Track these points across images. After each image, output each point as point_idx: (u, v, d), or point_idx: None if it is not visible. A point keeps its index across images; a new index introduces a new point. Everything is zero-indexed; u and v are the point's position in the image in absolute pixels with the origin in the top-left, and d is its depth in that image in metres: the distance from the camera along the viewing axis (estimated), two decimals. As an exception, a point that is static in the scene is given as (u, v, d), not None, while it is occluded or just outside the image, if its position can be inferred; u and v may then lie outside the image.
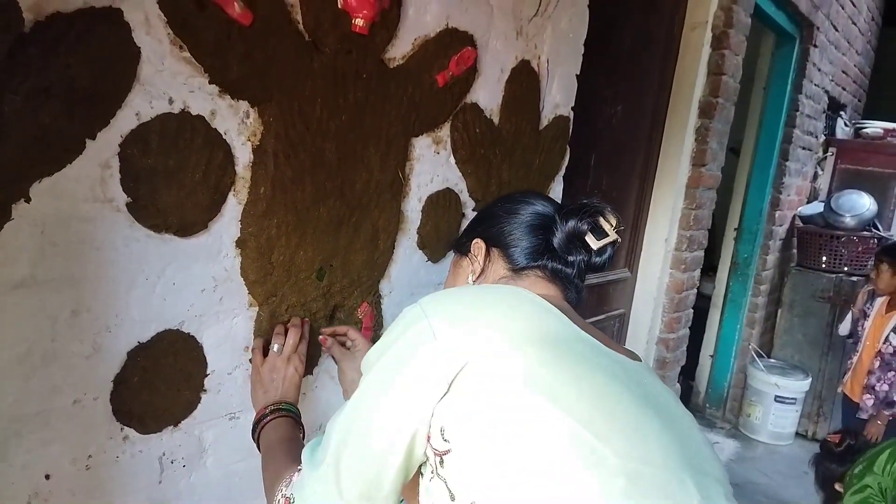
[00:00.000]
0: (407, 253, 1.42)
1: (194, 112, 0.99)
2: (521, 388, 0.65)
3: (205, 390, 1.11)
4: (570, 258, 0.93)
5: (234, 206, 1.08)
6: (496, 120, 1.56)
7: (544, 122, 1.73)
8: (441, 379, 0.68)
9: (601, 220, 0.93)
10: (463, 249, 1.02)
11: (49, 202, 0.84)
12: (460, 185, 1.52)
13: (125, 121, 0.90)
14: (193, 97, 0.98)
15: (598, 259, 0.94)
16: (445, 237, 1.51)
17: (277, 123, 1.10)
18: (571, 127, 1.85)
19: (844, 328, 3.37)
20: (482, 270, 0.97)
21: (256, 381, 1.13)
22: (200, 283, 1.06)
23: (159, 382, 1.03)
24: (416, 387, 0.69)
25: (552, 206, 0.99)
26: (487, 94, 1.52)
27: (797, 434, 4.09)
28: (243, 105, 1.05)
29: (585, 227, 0.92)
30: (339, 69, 1.16)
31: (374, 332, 1.38)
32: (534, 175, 1.73)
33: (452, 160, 1.47)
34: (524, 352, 0.68)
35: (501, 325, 0.71)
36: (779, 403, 3.95)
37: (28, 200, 0.82)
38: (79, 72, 0.84)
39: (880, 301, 3.08)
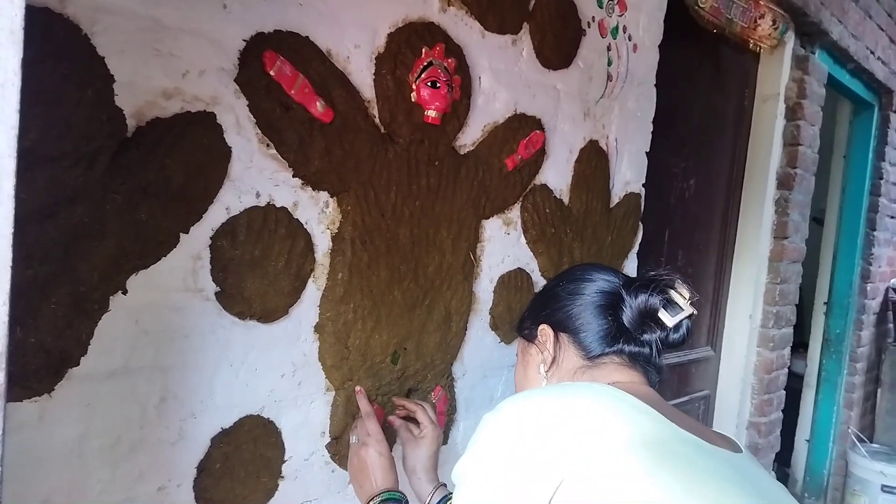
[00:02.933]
0: (479, 334, 1.42)
1: (278, 204, 1.04)
2: None
3: (282, 477, 1.11)
4: (645, 337, 0.88)
5: (313, 292, 1.11)
6: (566, 199, 1.57)
7: (615, 199, 1.72)
8: (537, 500, 0.64)
9: (673, 292, 0.88)
10: (529, 336, 0.99)
11: (143, 293, 0.89)
12: (532, 265, 1.51)
13: (216, 215, 0.96)
14: (278, 190, 1.04)
15: (675, 336, 0.88)
16: (518, 317, 1.49)
17: (354, 211, 1.14)
18: (643, 203, 1.83)
19: None
20: (553, 359, 0.93)
21: (352, 479, 1.09)
22: (280, 368, 1.08)
23: (240, 469, 1.04)
24: None
25: (617, 279, 0.94)
26: (556, 175, 1.53)
27: (912, 529, 3.69)
28: (323, 195, 1.10)
29: (657, 302, 0.87)
30: (413, 158, 1.21)
31: (448, 416, 1.37)
32: (606, 252, 1.71)
33: (523, 240, 1.48)
34: (625, 463, 0.63)
35: (596, 433, 0.66)
36: (886, 493, 3.59)
37: (125, 292, 0.88)
38: (175, 172, 0.90)
39: None
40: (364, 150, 1.13)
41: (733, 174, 2.64)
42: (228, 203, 0.97)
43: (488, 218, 1.39)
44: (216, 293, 0.97)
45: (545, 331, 0.95)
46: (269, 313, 1.05)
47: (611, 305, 0.91)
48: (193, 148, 0.93)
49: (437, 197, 1.26)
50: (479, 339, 1.41)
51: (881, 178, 3.71)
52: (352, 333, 1.16)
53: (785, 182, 2.72)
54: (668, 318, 0.87)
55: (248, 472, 1.06)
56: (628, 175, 1.76)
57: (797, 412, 3.86)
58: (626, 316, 0.89)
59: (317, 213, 1.10)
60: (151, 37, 0.87)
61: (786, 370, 2.94)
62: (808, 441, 3.90)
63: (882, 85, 3.50)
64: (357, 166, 1.13)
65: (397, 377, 1.25)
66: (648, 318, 0.88)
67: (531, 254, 1.50)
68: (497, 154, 1.37)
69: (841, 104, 3.67)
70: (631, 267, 1.83)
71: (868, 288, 3.79)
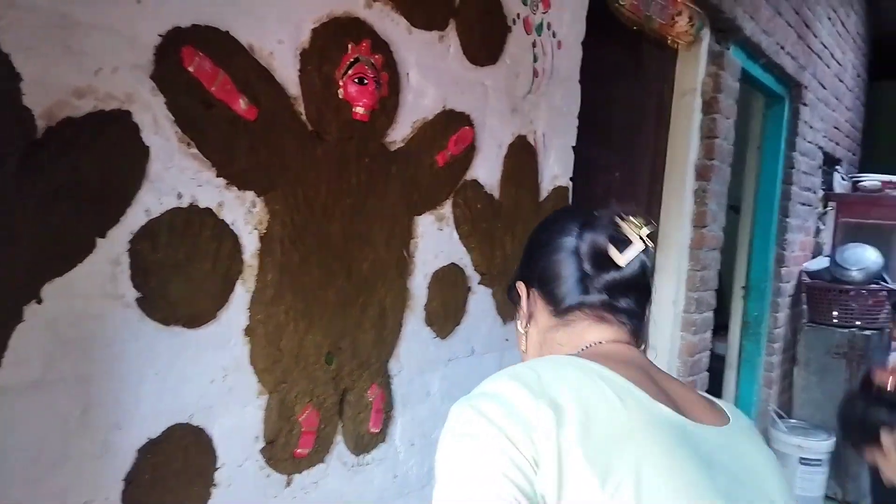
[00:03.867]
0: (415, 330, 1.42)
1: (202, 205, 1.01)
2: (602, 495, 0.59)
3: (215, 484, 1.08)
4: (605, 282, 0.78)
5: (242, 295, 1.08)
6: (496, 194, 1.59)
7: (544, 193, 1.76)
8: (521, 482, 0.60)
9: (622, 225, 0.78)
10: (512, 297, 0.90)
11: (60, 302, 0.85)
12: (465, 260, 1.53)
13: (135, 217, 0.92)
14: (201, 191, 1.01)
15: (626, 274, 0.78)
16: (453, 312, 1.51)
17: (283, 211, 1.12)
18: (571, 196, 1.87)
19: None
20: (530, 315, 0.85)
21: None
22: (210, 374, 1.05)
23: (170, 478, 1.01)
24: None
25: (577, 221, 0.82)
26: (487, 170, 1.55)
27: (826, 497, 3.93)
28: (250, 195, 1.08)
29: (604, 239, 0.78)
30: (342, 155, 1.20)
31: (385, 413, 1.36)
32: (537, 246, 1.74)
33: (456, 236, 1.49)
34: (578, 473, 0.60)
35: (546, 438, 0.61)
36: (804, 466, 3.81)
37: (39, 301, 0.83)
38: (89, 173, 0.86)
39: None
40: (291, 147, 1.11)
41: (655, 167, 2.73)
42: (148, 205, 0.94)
43: (420, 214, 1.39)
44: (137, 299, 0.94)
45: (520, 287, 0.87)
46: (196, 318, 1.02)
47: (571, 251, 0.81)
48: (108, 148, 0.89)
49: (368, 194, 1.26)
50: (415, 336, 1.42)
51: (792, 168, 3.93)
52: (284, 335, 1.14)
53: (703, 173, 2.83)
54: (617, 257, 0.78)
55: (179, 481, 1.02)
56: (556, 169, 1.80)
57: (721, 392, 4.05)
58: (584, 262, 0.79)
59: (243, 214, 1.07)
60: (60, 33, 0.83)
61: (708, 352, 3.07)
62: (731, 419, 4.10)
63: (791, 78, 3.69)
64: (284, 165, 1.11)
65: (332, 378, 1.23)
66: (601, 259, 0.78)
67: (464, 249, 1.52)
68: (427, 150, 1.37)
69: (755, 97, 3.85)
70: (561, 259, 1.87)
71: (783, 272, 4.00)
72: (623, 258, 0.77)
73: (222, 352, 1.07)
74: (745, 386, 4.05)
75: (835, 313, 4.04)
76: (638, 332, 0.81)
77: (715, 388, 3.75)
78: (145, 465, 0.97)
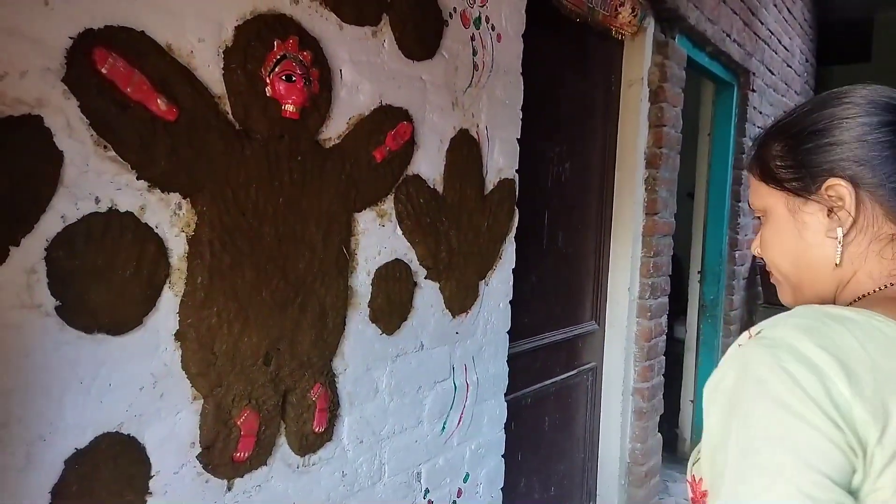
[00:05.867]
0: (359, 328, 1.41)
1: (122, 209, 0.99)
2: None
3: (150, 493, 1.06)
4: None
5: (170, 299, 1.06)
6: (440, 188, 1.58)
7: (489, 186, 1.76)
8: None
9: None
10: (801, 189, 0.73)
11: (-30, 313, 0.83)
12: (409, 255, 1.52)
13: (50, 224, 0.90)
14: (121, 194, 0.98)
15: None
16: (398, 308, 1.50)
17: (211, 212, 1.10)
18: (518, 189, 1.88)
19: None
20: (854, 222, 0.69)
21: None
22: (138, 381, 1.03)
23: (100, 489, 0.99)
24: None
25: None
26: (429, 165, 1.55)
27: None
28: (174, 197, 1.06)
29: None
30: (272, 154, 1.18)
31: (331, 412, 1.36)
32: (483, 238, 1.75)
33: (399, 231, 1.49)
34: None
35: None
36: (764, 443, 3.91)
37: (-54, 314, 0.81)
38: (-3, 180, 0.84)
39: None
40: (217, 147, 1.09)
41: (606, 156, 2.76)
42: (63, 211, 0.92)
43: (360, 211, 1.38)
44: (57, 307, 0.92)
45: (840, 187, 0.69)
46: (120, 324, 0.99)
47: None
48: (18, 154, 0.86)
49: (302, 193, 1.24)
50: (360, 333, 1.41)
51: (743, 153, 4.00)
52: (217, 338, 1.12)
53: (652, 161, 2.87)
54: None
55: (111, 491, 1.00)
56: (501, 162, 1.80)
57: (681, 374, 4.12)
58: None
59: (168, 216, 1.05)
60: (-43, 35, 0.80)
61: (664, 337, 3.12)
62: (692, 401, 4.18)
63: (739, 65, 3.76)
64: (210, 165, 1.09)
65: (271, 379, 1.22)
66: None
67: (408, 244, 1.51)
68: (364, 146, 1.36)
69: (704, 85, 3.92)
70: (510, 251, 1.88)
71: (736, 255, 4.09)
72: None
73: (151, 358, 1.05)
74: (704, 368, 4.13)
75: (788, 294, 4.13)
76: None
77: (675, 370, 3.82)
78: (73, 477, 0.95)
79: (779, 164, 0.75)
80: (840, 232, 0.70)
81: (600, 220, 2.77)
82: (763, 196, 0.78)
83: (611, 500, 2.90)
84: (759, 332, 0.66)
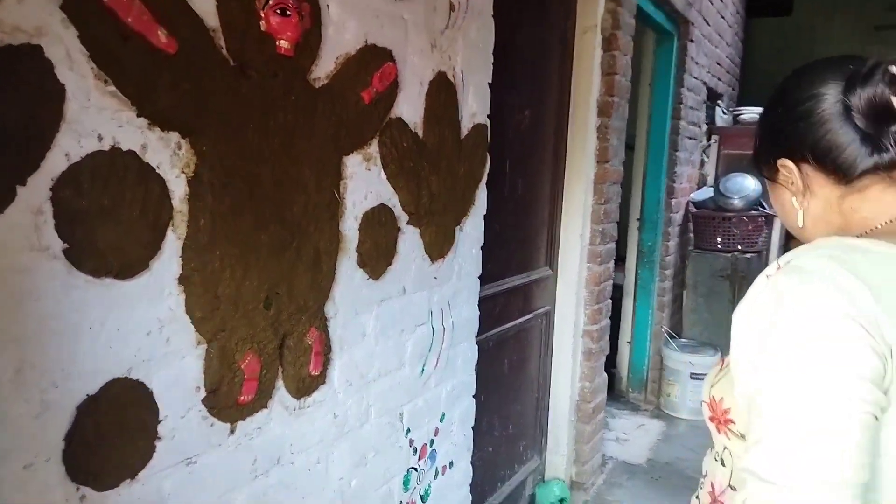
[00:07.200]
0: (348, 273, 1.41)
1: (125, 147, 0.94)
2: None
3: (159, 438, 1.05)
4: (890, 139, 0.75)
5: (173, 242, 1.03)
6: (420, 133, 1.58)
7: (464, 131, 1.77)
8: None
9: None
10: (770, 176, 0.88)
11: (-20, 256, 0.78)
12: (393, 200, 1.52)
13: (55, 163, 0.85)
14: (122, 132, 0.94)
15: None
16: (384, 253, 1.51)
17: (211, 152, 1.06)
18: (489, 134, 1.90)
19: None
20: (804, 188, 0.82)
21: None
22: (146, 326, 1.01)
23: (112, 435, 0.97)
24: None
25: (836, 79, 0.78)
26: (410, 108, 1.53)
27: (713, 406, 4.34)
28: (174, 136, 1.01)
29: (883, 91, 0.74)
30: (268, 93, 1.15)
31: (325, 356, 1.36)
32: (460, 183, 1.76)
33: (383, 175, 1.48)
34: None
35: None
36: (694, 380, 4.18)
37: (-43, 256, 0.76)
38: (3, 115, 0.78)
39: None
40: (215, 84, 1.05)
41: (561, 104, 2.80)
42: (68, 149, 0.87)
43: (348, 154, 1.36)
44: (65, 250, 0.88)
45: (786, 166, 0.83)
46: (128, 268, 0.96)
47: (841, 117, 0.77)
48: (20, 87, 0.81)
49: (295, 134, 1.22)
50: (349, 278, 1.41)
51: (681, 103, 4.14)
52: (220, 282, 1.10)
53: (604, 109, 2.93)
54: None
55: (122, 437, 0.99)
56: (474, 106, 1.81)
57: (619, 318, 4.32)
58: (863, 122, 0.76)
59: (169, 156, 1.01)
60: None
61: (611, 281, 3.25)
62: (629, 343, 4.40)
63: (680, 15, 3.85)
64: (209, 103, 1.05)
65: (271, 323, 1.21)
66: (884, 114, 0.75)
67: (392, 189, 1.51)
68: (352, 87, 1.34)
69: (647, 35, 3.99)
70: (482, 197, 1.90)
71: (673, 203, 4.27)
72: None
73: (157, 303, 1.02)
74: (641, 311, 4.34)
75: (718, 239, 4.37)
76: None
77: (615, 314, 4.00)
78: (86, 423, 0.93)
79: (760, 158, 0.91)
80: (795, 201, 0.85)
81: (555, 168, 2.83)
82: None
83: (561, 435, 3.05)
84: (788, 262, 0.72)
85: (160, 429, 1.05)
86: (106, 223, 0.92)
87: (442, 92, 1.64)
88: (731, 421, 0.78)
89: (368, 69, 1.38)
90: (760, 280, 0.73)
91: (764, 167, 0.89)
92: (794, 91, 0.83)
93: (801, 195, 0.83)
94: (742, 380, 0.72)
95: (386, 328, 1.56)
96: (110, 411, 0.97)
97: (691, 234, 4.69)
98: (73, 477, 0.92)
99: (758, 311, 0.71)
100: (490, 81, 1.87)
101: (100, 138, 0.91)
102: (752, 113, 4.88)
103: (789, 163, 0.83)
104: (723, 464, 0.82)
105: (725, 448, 0.82)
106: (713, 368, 0.87)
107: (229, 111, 1.08)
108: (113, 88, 0.92)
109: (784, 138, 0.84)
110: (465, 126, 1.77)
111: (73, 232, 0.88)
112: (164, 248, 1.02)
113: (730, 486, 0.81)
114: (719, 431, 0.81)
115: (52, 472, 0.89)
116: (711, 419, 0.82)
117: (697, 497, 0.89)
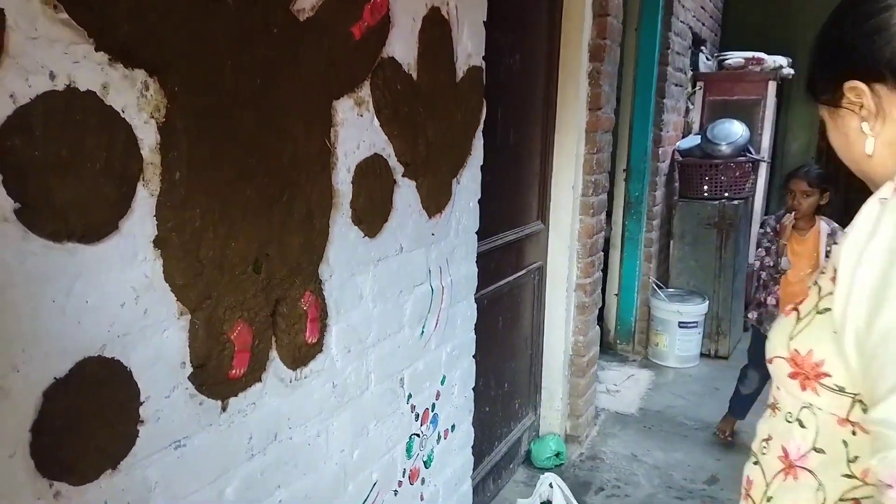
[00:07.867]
0: (343, 231, 1.28)
1: (82, 87, 0.79)
2: None
3: (142, 421, 0.93)
4: None
5: (145, 199, 0.89)
6: (414, 74, 1.44)
7: (460, 73, 1.62)
8: None
9: None
10: (832, 101, 0.79)
11: None
12: (388, 150, 1.39)
13: (-2, 105, 0.70)
14: (79, 68, 0.79)
15: None
16: (380, 209, 1.38)
17: (183, 94, 0.92)
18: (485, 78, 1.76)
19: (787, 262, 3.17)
20: (877, 111, 0.74)
21: None
22: (119, 297, 0.87)
23: (86, 421, 0.85)
24: None
25: None
26: (403, 47, 1.39)
27: (701, 355, 4.33)
28: (140, 74, 0.87)
29: None
30: (245, 23, 1.00)
31: (321, 322, 1.24)
32: (457, 131, 1.63)
33: (377, 122, 1.34)
34: None
35: None
36: (682, 329, 4.16)
37: None
38: (-77, 42, 0.63)
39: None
40: (184, 12, 0.90)
41: (552, 48, 2.65)
42: (13, 88, 0.72)
43: (339, 98, 1.22)
44: (16, 210, 0.74)
45: (855, 87, 0.75)
46: (93, 231, 0.82)
47: None
48: (-56, 8, 0.65)
49: (279, 73, 1.07)
50: (343, 237, 1.28)
51: (668, 49, 4.00)
52: (203, 244, 0.97)
53: (596, 54, 2.79)
54: None
55: (99, 423, 0.87)
56: (469, 47, 1.66)
57: (607, 270, 4.26)
58: None
59: (135, 98, 0.86)
60: None
61: (603, 234, 3.16)
62: (616, 295, 4.35)
63: (668, -44, 3.69)
64: (178, 34, 0.90)
65: (262, 287, 1.09)
66: None
67: (386, 138, 1.37)
68: (342, 21, 1.19)
69: (633, -23, 3.83)
70: (479, 146, 1.77)
71: (660, 152, 4.17)
72: None
73: (130, 269, 0.89)
74: (628, 263, 4.28)
75: (705, 187, 4.30)
76: None
77: (602, 268, 3.93)
78: (55, 410, 0.80)
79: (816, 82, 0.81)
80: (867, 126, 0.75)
81: (546, 116, 2.70)
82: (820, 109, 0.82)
83: (556, 390, 2.99)
84: None
85: (142, 411, 0.93)
86: (64, 178, 0.78)
87: (436, 30, 1.49)
88: (826, 374, 0.69)
89: (358, 0, 1.23)
90: (873, 206, 0.65)
91: (823, 93, 0.79)
92: (864, 2, 0.74)
93: (875, 119, 0.75)
94: (859, 320, 0.63)
95: (384, 289, 1.44)
96: (83, 395, 0.84)
97: (677, 184, 4.61)
98: (44, 472, 0.80)
99: (879, 239, 0.62)
100: (485, 19, 1.72)
101: (52, 76, 0.76)
102: (737, 58, 4.76)
103: (860, 84, 0.74)
104: (801, 424, 0.73)
105: (806, 407, 0.72)
106: (783, 320, 0.77)
107: (203, 45, 0.93)
108: (65, 16, 0.76)
109: (854, 56, 0.75)
110: (461, 68, 1.63)
111: (26, 189, 0.74)
112: (134, 206, 0.88)
113: (814, 448, 0.72)
114: (804, 388, 0.71)
115: (18, 469, 0.77)
116: (793, 375, 0.73)
117: (757, 463, 0.80)
